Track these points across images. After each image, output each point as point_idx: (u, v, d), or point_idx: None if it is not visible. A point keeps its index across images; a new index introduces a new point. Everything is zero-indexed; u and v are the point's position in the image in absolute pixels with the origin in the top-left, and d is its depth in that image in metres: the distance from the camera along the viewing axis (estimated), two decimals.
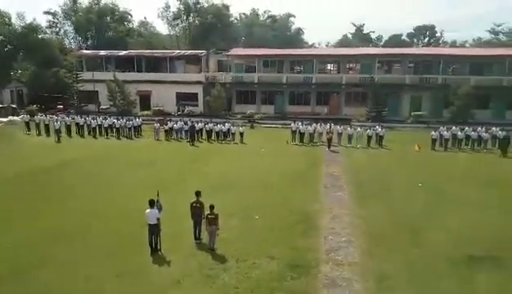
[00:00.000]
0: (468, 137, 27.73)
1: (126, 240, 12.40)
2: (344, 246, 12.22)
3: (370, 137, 28.49)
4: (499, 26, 72.48)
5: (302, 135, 29.66)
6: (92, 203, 15.74)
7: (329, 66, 47.53)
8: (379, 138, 28.63)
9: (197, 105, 44.32)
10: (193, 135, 29.32)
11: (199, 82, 44.54)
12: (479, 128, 28.21)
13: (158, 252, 11.56)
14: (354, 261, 11.28)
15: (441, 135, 27.77)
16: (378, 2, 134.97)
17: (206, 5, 69.49)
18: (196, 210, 12.15)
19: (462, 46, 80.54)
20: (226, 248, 11.81)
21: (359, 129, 29.69)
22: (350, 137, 28.86)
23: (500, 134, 26.69)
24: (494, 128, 28.19)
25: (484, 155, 25.92)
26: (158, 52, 50.28)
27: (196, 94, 44.62)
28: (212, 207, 11.65)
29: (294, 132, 29.88)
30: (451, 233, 13.03)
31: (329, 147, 27.27)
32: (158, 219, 11.49)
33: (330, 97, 43.96)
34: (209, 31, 66.09)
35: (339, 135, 29.31)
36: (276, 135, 32.20)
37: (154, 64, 46.93)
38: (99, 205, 15.54)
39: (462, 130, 28.20)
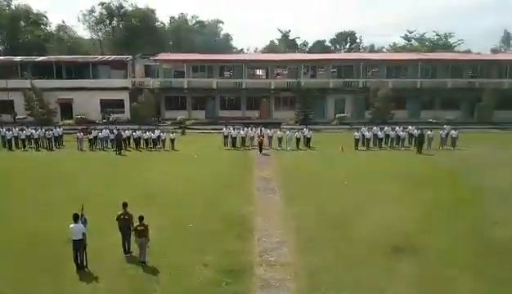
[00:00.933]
0: (387, 136, 29.68)
1: (49, 259, 11.49)
2: (277, 246, 12.43)
3: (298, 139, 29.40)
4: (411, 33, 79.08)
5: (234, 139, 29.79)
6: (7, 223, 14.38)
7: (258, 71, 48.37)
8: (307, 140, 29.66)
9: (124, 112, 42.67)
10: (120, 143, 28.08)
11: (125, 88, 42.92)
12: (397, 128, 30.37)
13: (84, 269, 10.88)
14: (287, 261, 11.50)
15: (363, 136, 29.43)
16: (302, 10, 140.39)
17: (130, 9, 67.37)
18: (124, 222, 11.62)
19: (380, 51, 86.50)
20: (159, 260, 11.43)
21: (288, 132, 30.50)
22: (280, 140, 29.56)
23: (416, 132, 28.94)
24: (410, 127, 30.53)
25: (402, 152, 27.93)
26: (79, 58, 47.69)
27: (122, 100, 42.96)
28: (141, 218, 11.22)
29: (226, 137, 29.91)
30: (376, 227, 13.82)
31: (260, 150, 27.67)
32: (83, 234, 10.83)
33: (261, 102, 44.72)
34: (135, 35, 64.07)
35: (270, 138, 29.88)
36: (209, 141, 32.00)
37: (76, 71, 44.36)
38: (16, 224, 14.24)
39: (382, 130, 30.13)
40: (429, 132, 28.95)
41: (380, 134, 29.62)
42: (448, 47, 72.45)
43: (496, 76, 44.96)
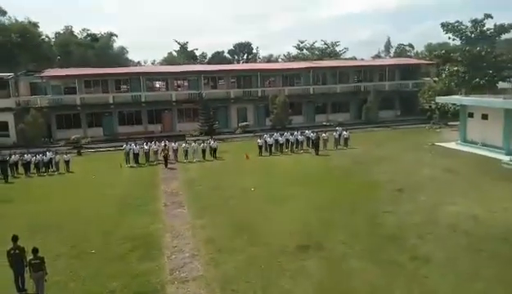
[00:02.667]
0: (287, 141, 31.26)
1: None
2: (188, 261, 12.32)
3: (204, 150, 29.45)
4: (302, 43, 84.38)
5: (136, 155, 28.67)
6: None
7: (157, 84, 47.27)
8: (213, 150, 29.85)
9: (8, 135, 38.40)
10: (5, 170, 25.24)
11: (8, 109, 38.69)
12: (295, 132, 32.12)
13: None
14: (199, 275, 11.46)
15: (265, 142, 30.57)
16: (198, 22, 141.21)
17: (8, 22, 61.06)
18: (16, 257, 10.52)
19: (275, 61, 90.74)
20: (59, 293, 10.54)
21: (194, 144, 30.33)
22: (186, 152, 29.27)
23: (312, 135, 30.94)
24: (307, 131, 32.53)
25: (302, 155, 29.62)
26: None
27: (6, 122, 38.68)
28: (35, 251, 10.26)
29: (127, 154, 28.62)
30: (282, 228, 14.50)
31: (166, 165, 27.08)
32: None
33: (162, 115, 43.79)
34: (16, 51, 58.08)
35: (175, 151, 29.43)
36: (109, 159, 30.34)
37: None
38: None
39: (282, 135, 31.64)
40: (324, 134, 31.29)
41: (281, 139, 31.05)
42: (335, 55, 78.89)
43: (377, 79, 50.18)
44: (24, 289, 10.67)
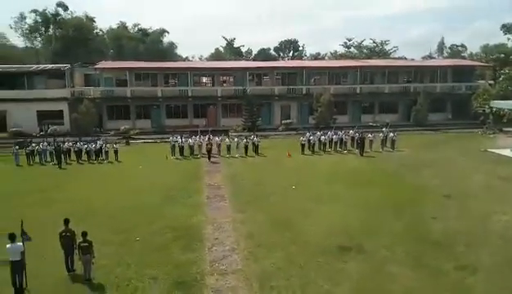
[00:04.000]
0: (331, 140, 30.77)
1: None
2: (228, 254, 12.44)
3: (247, 146, 29.63)
4: (350, 41, 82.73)
5: (181, 148, 29.38)
6: None
7: (204, 79, 48.16)
8: (256, 146, 29.97)
9: (63, 124, 40.60)
10: (59, 156, 26.71)
11: (64, 99, 40.90)
12: (339, 132, 31.53)
13: (24, 292, 10.21)
14: (238, 268, 11.54)
15: (308, 140, 30.26)
16: (247, 18, 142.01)
17: (68, 16, 64.51)
18: (67, 239, 11.09)
19: (322, 58, 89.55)
20: (105, 276, 11.02)
21: (236, 139, 30.63)
22: (229, 147, 29.61)
23: (357, 136, 30.24)
24: (351, 131, 31.85)
25: (346, 155, 29.05)
26: (13, 67, 44.63)
27: (61, 111, 40.92)
28: (84, 234, 10.77)
29: (173, 146, 29.40)
30: (322, 228, 14.29)
31: (209, 158, 27.53)
32: (22, 253, 10.18)
33: (207, 109, 44.55)
34: (73, 44, 61.28)
35: (218, 146, 29.84)
36: (155, 151, 31.30)
37: (10, 81, 41.53)
38: None
39: (326, 134, 31.19)
40: (370, 135, 30.44)
41: (324, 138, 30.61)
42: (384, 54, 76.67)
43: (428, 81, 48.21)
44: (73, 269, 11.23)
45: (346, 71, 48.06)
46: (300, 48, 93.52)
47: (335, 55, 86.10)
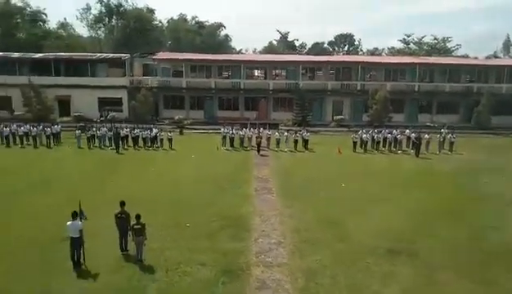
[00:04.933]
0: (385, 139, 29.76)
1: (45, 257, 11.47)
2: (274, 247, 12.45)
3: (296, 141, 29.44)
4: (409, 36, 79.26)
5: (232, 139, 29.80)
6: (4, 222, 14.35)
7: (256, 72, 48.37)
8: (305, 142, 29.70)
9: (122, 111, 42.57)
10: (117, 142, 28.06)
11: (123, 87, 42.86)
12: (394, 131, 30.43)
13: (81, 266, 10.87)
14: (283, 262, 11.52)
15: (361, 138, 29.49)
16: (301, 12, 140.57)
17: (130, 8, 67.31)
18: (121, 220, 11.61)
19: (379, 54, 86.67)
20: (156, 258, 11.43)
21: (286, 133, 30.53)
22: (278, 141, 29.59)
23: (413, 136, 29.00)
24: (407, 130, 30.61)
25: (400, 156, 28.01)
26: (78, 55, 47.46)
27: (121, 99, 42.93)
28: (138, 217, 11.22)
29: (224, 137, 29.89)
30: (371, 229, 13.88)
31: (258, 151, 27.68)
32: (80, 231, 10.83)
33: (259, 102, 44.73)
34: (133, 35, 63.94)
35: (268, 139, 29.90)
36: (207, 141, 31.98)
37: (74, 68, 44.25)
38: (14, 223, 14.22)
39: (380, 132, 30.21)
40: (427, 136, 29.05)
41: (378, 136, 29.67)
42: (446, 51, 72.74)
43: (493, 81, 45.17)
44: (126, 250, 11.76)
45: (404, 68, 46.20)
46: (356, 43, 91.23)
47: (393, 51, 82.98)
